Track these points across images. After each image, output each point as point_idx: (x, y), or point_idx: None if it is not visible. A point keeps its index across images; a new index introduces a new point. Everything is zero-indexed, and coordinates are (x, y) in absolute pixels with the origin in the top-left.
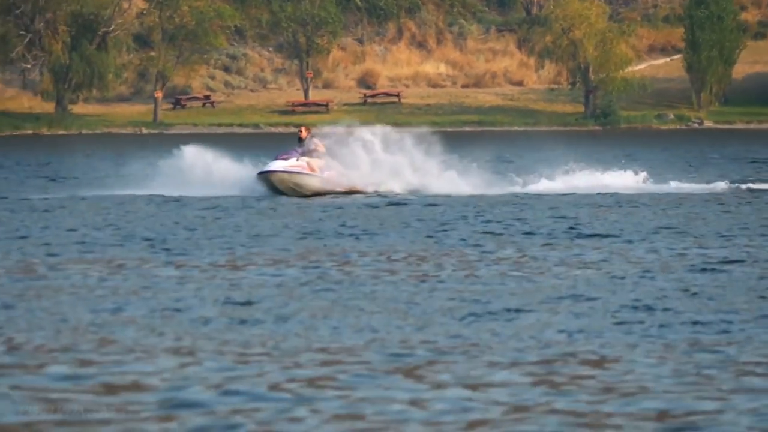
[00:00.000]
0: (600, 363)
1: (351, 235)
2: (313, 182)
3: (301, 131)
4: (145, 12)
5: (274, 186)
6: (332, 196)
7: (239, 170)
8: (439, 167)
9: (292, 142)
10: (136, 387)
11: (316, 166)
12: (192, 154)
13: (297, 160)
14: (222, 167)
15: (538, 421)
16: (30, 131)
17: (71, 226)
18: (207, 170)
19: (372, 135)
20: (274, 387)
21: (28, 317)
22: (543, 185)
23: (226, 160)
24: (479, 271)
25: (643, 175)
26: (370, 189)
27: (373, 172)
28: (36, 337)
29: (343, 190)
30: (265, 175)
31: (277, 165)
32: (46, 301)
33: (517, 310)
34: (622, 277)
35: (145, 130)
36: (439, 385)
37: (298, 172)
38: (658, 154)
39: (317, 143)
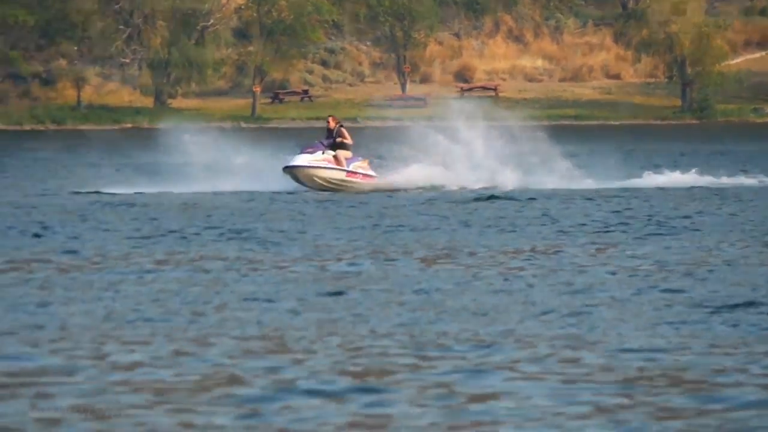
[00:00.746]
0: (679, 356)
1: (437, 228)
2: (338, 175)
3: (329, 121)
4: (243, 7)
5: (299, 180)
6: (422, 190)
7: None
8: (561, 160)
9: (386, 137)
10: (213, 379)
11: (342, 158)
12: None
13: (323, 153)
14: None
15: (618, 417)
16: (130, 125)
17: (158, 221)
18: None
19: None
20: (356, 379)
21: (110, 309)
22: (647, 179)
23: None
24: (561, 266)
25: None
26: (476, 185)
27: (485, 161)
28: (120, 327)
29: (376, 185)
30: (289, 170)
31: (301, 159)
32: (127, 294)
33: (598, 305)
34: (710, 270)
35: (243, 125)
36: (521, 378)
37: (323, 167)
38: (755, 147)
39: (345, 133)
